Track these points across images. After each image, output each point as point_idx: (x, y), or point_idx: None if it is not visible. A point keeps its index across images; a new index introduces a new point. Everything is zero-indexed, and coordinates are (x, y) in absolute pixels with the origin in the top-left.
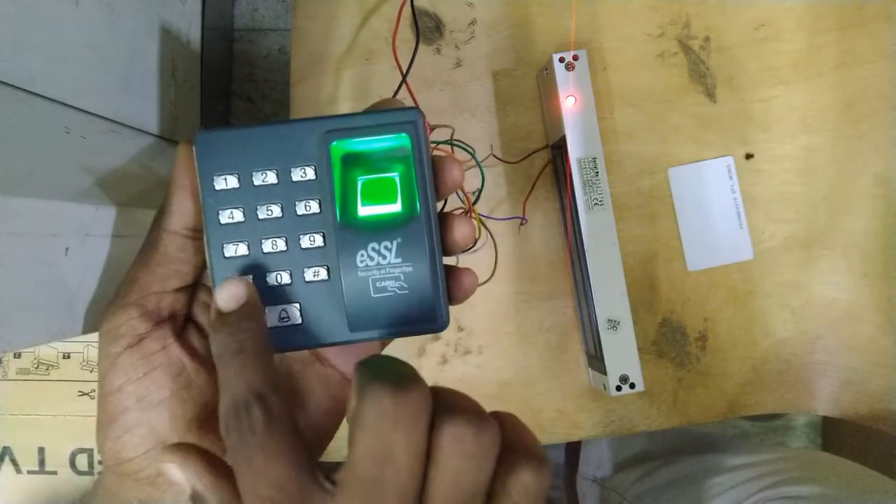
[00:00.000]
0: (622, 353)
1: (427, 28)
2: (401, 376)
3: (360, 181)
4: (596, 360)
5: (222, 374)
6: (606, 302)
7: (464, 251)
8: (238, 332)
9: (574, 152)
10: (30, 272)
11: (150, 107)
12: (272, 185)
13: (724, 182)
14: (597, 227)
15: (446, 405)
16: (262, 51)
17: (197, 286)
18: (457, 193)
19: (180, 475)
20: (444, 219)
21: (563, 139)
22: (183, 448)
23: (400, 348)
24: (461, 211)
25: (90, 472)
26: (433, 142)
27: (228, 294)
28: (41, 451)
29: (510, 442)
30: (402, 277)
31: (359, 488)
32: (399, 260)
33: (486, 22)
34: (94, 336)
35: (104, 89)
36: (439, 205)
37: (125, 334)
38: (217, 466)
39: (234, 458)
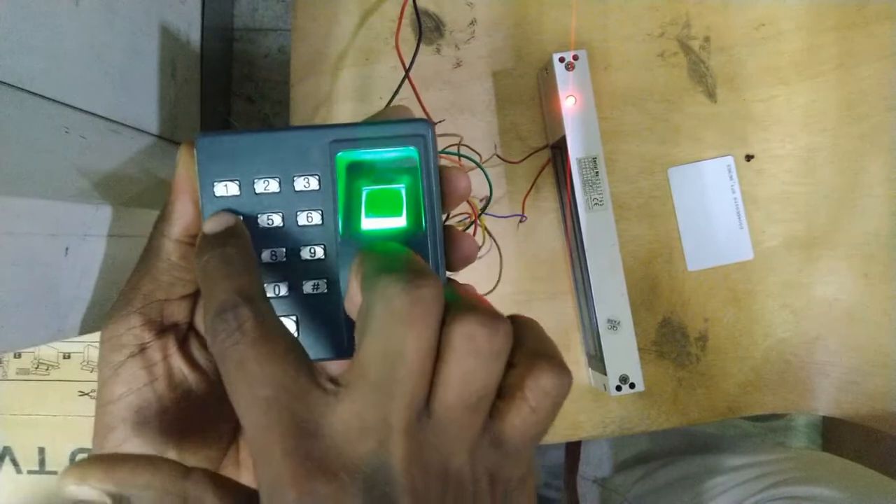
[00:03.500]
0: (622, 353)
1: (427, 28)
2: (412, 271)
3: (365, 192)
4: (596, 360)
5: (206, 287)
6: (606, 302)
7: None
8: (223, 245)
9: (574, 152)
10: (29, 272)
11: (149, 106)
12: (274, 193)
13: (724, 182)
14: (597, 227)
15: (458, 302)
16: (262, 50)
17: (199, 293)
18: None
19: (89, 492)
20: (447, 234)
21: (564, 139)
22: (76, 465)
23: None
24: (466, 217)
25: None
26: (439, 151)
27: (216, 221)
28: (41, 451)
29: (529, 345)
30: None
31: (366, 388)
32: None
33: (486, 22)
34: (95, 336)
35: (104, 89)
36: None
37: (127, 343)
38: (120, 460)
39: (224, 364)
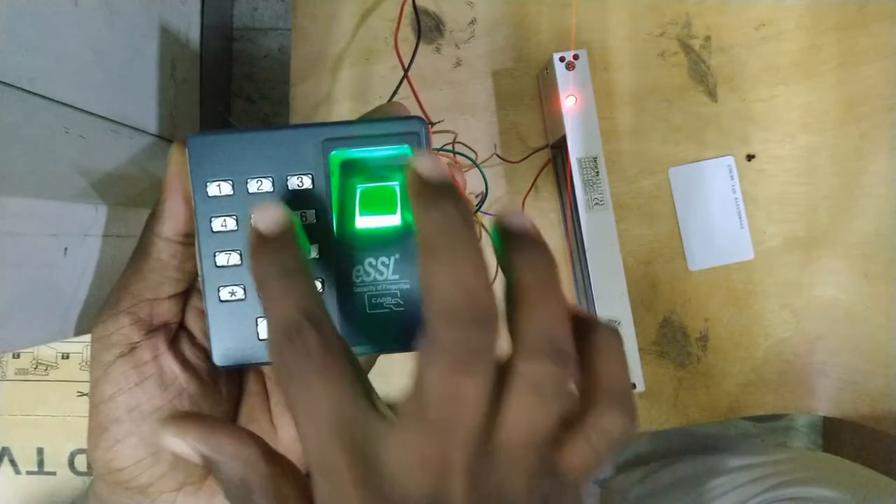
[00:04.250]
0: None
1: (427, 27)
2: (472, 315)
3: (359, 189)
4: None
5: (267, 298)
6: (607, 302)
7: None
8: (282, 253)
9: (574, 152)
10: (29, 272)
11: (149, 106)
12: (267, 193)
13: (724, 182)
14: (597, 227)
15: (524, 336)
16: (262, 50)
17: (190, 292)
18: None
19: (183, 446)
20: None
21: (564, 139)
22: (178, 417)
23: None
24: None
25: (89, 473)
26: (434, 148)
27: (269, 217)
28: (40, 451)
29: (602, 375)
30: (398, 294)
31: (425, 423)
32: (397, 276)
33: (486, 21)
34: None
35: (103, 89)
36: None
37: (117, 343)
38: (220, 425)
39: (289, 384)
